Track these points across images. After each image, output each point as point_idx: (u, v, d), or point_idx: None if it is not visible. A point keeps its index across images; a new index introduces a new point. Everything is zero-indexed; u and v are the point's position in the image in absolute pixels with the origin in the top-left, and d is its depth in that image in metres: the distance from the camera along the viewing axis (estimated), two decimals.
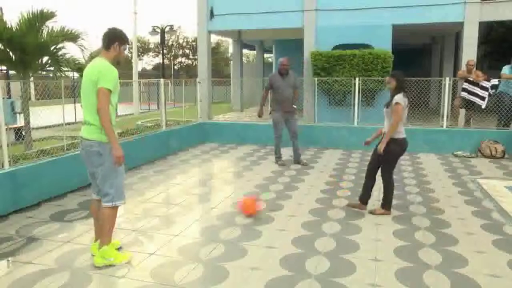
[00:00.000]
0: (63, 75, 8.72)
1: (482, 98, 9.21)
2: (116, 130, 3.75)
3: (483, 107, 9.26)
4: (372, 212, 5.04)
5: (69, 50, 8.70)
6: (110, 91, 3.44)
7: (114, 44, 3.59)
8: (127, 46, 3.77)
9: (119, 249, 3.93)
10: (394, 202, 5.51)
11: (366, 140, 5.16)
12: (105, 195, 3.61)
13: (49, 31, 8.31)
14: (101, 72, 3.43)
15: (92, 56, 9.39)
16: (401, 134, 4.82)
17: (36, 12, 8.06)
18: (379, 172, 5.06)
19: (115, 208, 3.67)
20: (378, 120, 10.14)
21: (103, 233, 3.67)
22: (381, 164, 4.99)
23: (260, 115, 7.96)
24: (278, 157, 7.91)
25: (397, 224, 4.71)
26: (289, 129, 7.71)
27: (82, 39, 8.62)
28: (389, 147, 4.76)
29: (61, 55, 8.58)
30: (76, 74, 9.67)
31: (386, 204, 5.04)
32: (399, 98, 4.73)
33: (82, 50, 8.84)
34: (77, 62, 8.85)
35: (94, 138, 3.52)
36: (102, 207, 3.64)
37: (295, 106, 7.76)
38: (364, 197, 5.16)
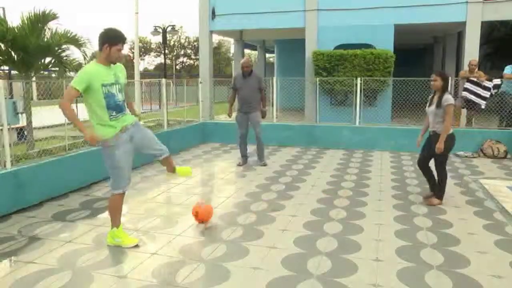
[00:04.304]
0: (68, 75, 8.74)
1: (484, 98, 9.20)
2: (121, 123, 3.87)
3: (482, 107, 9.24)
4: (429, 203, 5.36)
5: (73, 52, 8.74)
6: (75, 89, 3.61)
7: (104, 46, 3.73)
8: (122, 44, 3.83)
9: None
10: (395, 202, 5.53)
11: (417, 141, 5.64)
12: (109, 184, 4.05)
13: (53, 33, 8.33)
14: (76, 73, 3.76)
15: (93, 56, 9.41)
16: (451, 130, 5.23)
17: (38, 13, 8.07)
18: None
19: (114, 195, 4.02)
20: (380, 120, 10.23)
21: (110, 217, 4.10)
22: (435, 159, 5.36)
23: (229, 115, 7.98)
24: (242, 157, 7.80)
25: (399, 224, 4.70)
26: (253, 129, 7.58)
27: (86, 47, 8.65)
28: (446, 143, 5.15)
29: (65, 56, 8.60)
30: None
31: (441, 194, 5.40)
32: (451, 98, 5.12)
33: (85, 57, 8.86)
34: (78, 63, 8.86)
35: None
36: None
37: (265, 109, 7.59)
38: (434, 188, 5.49)
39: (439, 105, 5.15)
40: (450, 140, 5.21)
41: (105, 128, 3.79)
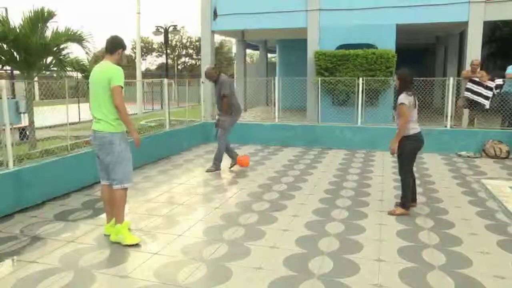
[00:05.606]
0: (67, 75, 8.74)
1: (486, 98, 9.17)
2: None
3: (486, 107, 9.21)
4: (391, 214, 5.00)
5: (73, 50, 8.70)
6: (122, 87, 3.97)
7: (119, 50, 4.13)
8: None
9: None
10: (397, 202, 5.50)
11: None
12: (115, 179, 4.10)
13: (53, 31, 8.32)
14: (114, 72, 3.96)
15: (96, 56, 9.40)
16: (413, 130, 4.85)
17: (38, 11, 8.07)
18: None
19: (124, 189, 4.14)
20: (382, 120, 10.22)
21: (117, 213, 4.16)
22: (398, 162, 5.07)
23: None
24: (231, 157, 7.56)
25: (401, 224, 4.70)
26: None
27: (87, 41, 8.63)
28: (402, 144, 4.82)
29: (64, 55, 8.59)
30: (79, 75, 9.66)
31: (402, 203, 5.03)
32: (402, 97, 4.77)
33: (87, 53, 8.84)
34: (81, 63, 8.86)
35: (105, 129, 4.01)
36: (113, 190, 4.13)
37: (223, 118, 7.16)
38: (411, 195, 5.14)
39: (395, 106, 4.89)
40: (412, 142, 4.82)
41: (122, 123, 4.10)
